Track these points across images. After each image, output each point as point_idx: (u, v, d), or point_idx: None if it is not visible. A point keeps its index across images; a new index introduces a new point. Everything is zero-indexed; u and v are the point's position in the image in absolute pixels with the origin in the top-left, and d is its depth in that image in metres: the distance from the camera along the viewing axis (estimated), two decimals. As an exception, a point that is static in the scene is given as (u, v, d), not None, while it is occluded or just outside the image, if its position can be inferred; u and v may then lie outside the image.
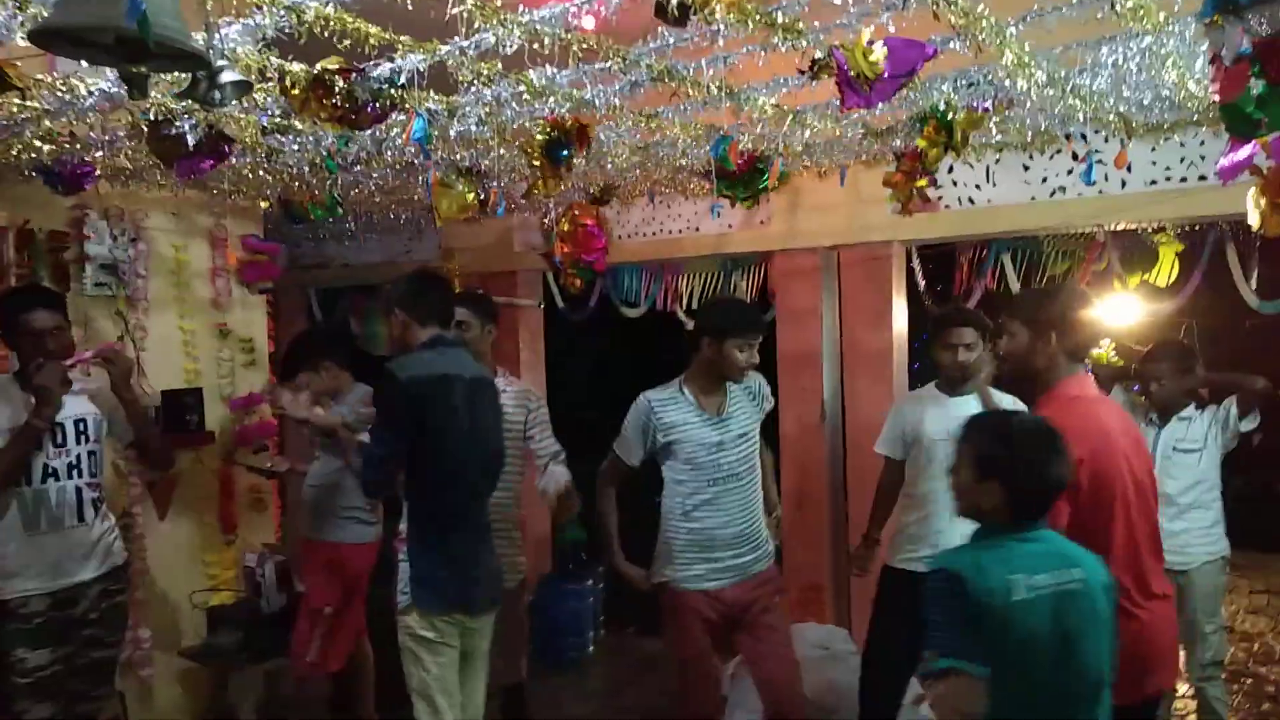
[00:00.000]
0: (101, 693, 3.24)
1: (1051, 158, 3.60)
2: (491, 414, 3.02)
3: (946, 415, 3.10)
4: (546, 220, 4.18)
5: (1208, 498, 3.45)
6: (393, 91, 2.26)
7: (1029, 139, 3.39)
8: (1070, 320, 2.33)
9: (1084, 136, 3.41)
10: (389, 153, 3.21)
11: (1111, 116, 3.06)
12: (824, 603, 4.29)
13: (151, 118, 2.46)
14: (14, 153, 2.97)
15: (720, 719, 3.35)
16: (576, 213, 4.01)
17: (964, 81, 2.62)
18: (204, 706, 4.11)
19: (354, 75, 2.20)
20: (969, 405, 3.07)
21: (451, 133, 2.80)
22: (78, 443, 3.10)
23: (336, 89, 2.21)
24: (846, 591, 4.23)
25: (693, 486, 3.01)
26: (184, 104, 2.38)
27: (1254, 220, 2.09)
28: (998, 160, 3.69)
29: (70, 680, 3.09)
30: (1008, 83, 2.62)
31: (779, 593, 3.19)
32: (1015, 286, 3.91)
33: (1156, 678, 2.33)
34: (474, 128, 2.74)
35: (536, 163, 2.76)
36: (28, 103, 2.49)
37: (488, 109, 2.60)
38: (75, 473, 3.08)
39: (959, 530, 2.83)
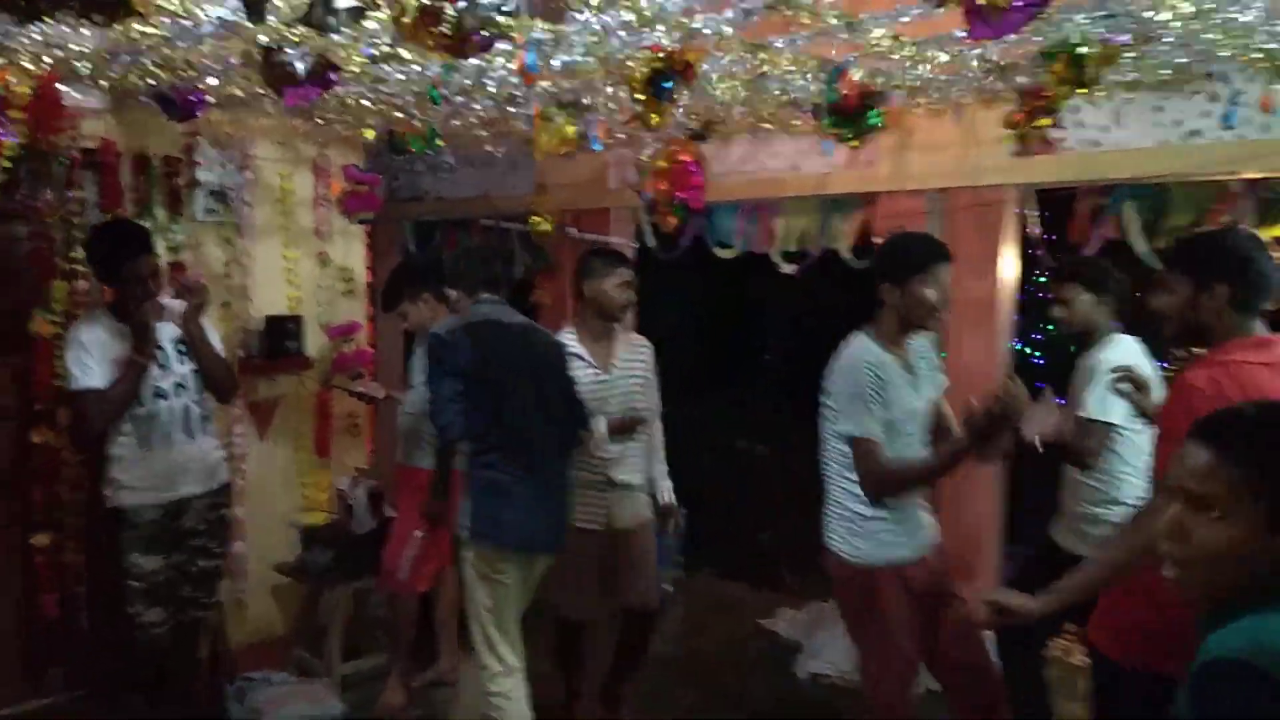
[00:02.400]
0: (209, 600, 3.44)
1: (1190, 98, 3.35)
2: (540, 361, 3.12)
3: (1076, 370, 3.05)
4: (643, 157, 4.10)
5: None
6: (500, 20, 2.22)
7: (1165, 77, 3.16)
8: (1242, 268, 1.97)
9: (1225, 76, 3.16)
10: (490, 84, 3.18)
11: (1258, 55, 2.83)
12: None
13: (265, 44, 2.47)
14: (131, 78, 3.04)
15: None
16: (675, 148, 3.93)
17: (1101, 12, 2.45)
18: (295, 620, 4.30)
19: (463, 3, 2.17)
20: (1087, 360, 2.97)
21: (555, 63, 2.75)
22: (180, 363, 3.24)
23: (445, 16, 2.18)
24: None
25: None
26: (297, 32, 2.39)
27: None
28: (1128, 99, 3.46)
29: (181, 586, 3.28)
30: (1148, 14, 2.44)
31: (950, 580, 2.71)
32: (1136, 237, 3.67)
33: None
34: (580, 58, 2.69)
35: (641, 96, 2.70)
36: (148, 29, 2.53)
37: (595, 38, 2.54)
38: (181, 390, 3.23)
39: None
